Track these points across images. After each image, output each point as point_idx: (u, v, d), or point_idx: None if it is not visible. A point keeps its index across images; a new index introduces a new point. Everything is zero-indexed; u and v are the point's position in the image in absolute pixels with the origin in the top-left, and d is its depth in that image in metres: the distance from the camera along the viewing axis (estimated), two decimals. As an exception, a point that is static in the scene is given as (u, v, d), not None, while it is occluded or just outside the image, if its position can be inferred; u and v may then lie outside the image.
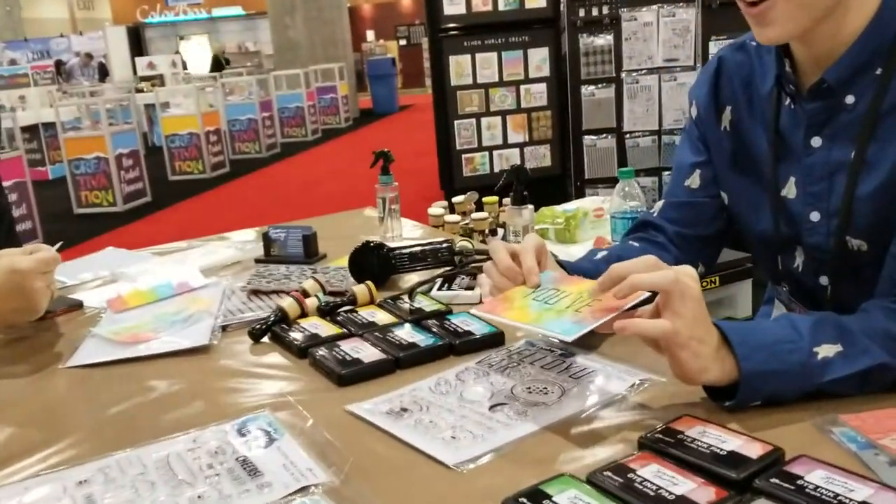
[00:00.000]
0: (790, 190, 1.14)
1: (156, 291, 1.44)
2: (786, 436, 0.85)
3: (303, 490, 0.81)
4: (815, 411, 0.90)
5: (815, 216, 1.12)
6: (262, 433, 0.93)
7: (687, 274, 0.90)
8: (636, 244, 1.30)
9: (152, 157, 9.01)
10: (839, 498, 0.71)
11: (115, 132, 7.17)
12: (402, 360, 1.10)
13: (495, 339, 1.16)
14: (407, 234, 1.87)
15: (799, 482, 0.74)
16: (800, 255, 1.18)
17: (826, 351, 0.91)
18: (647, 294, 0.91)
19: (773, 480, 0.75)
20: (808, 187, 1.12)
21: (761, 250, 1.26)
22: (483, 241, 1.90)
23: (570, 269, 1.19)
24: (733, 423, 0.88)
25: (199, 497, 0.80)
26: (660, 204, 1.34)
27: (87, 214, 7.08)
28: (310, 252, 1.66)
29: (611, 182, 4.23)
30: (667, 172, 4.28)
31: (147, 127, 11.76)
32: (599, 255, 1.28)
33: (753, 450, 0.80)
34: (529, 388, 1.00)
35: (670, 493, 0.74)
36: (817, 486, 0.73)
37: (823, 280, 1.16)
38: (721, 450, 0.81)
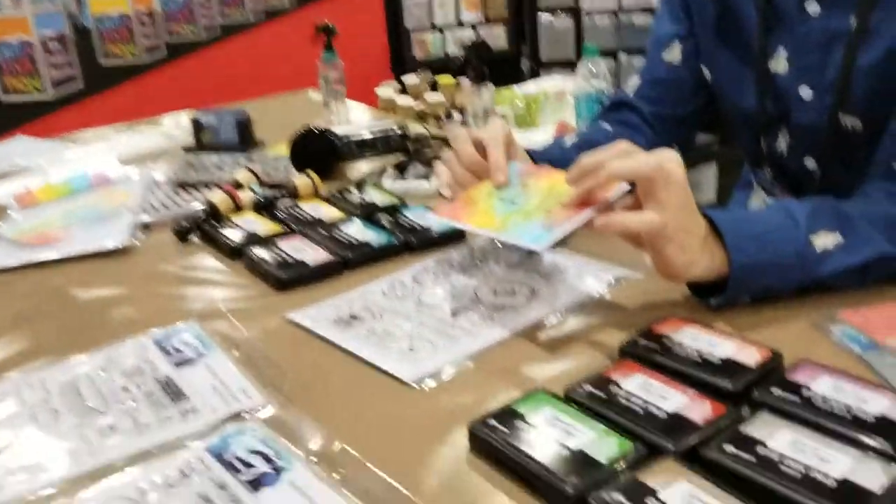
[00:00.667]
0: (779, 63, 1.04)
1: (70, 184, 1.28)
2: (780, 337, 0.76)
3: (234, 416, 0.69)
4: (812, 307, 0.81)
5: (805, 92, 1.03)
6: (187, 348, 0.80)
7: (669, 158, 0.78)
8: (608, 127, 1.19)
9: (84, 40, 8.50)
10: (852, 411, 0.62)
11: (38, 12, 6.69)
12: (352, 261, 0.98)
13: (456, 235, 1.03)
14: (354, 118, 1.72)
15: (804, 392, 0.65)
16: (784, 137, 1.09)
17: (824, 240, 0.81)
18: (627, 186, 0.79)
19: (775, 391, 0.65)
20: (801, 59, 1.02)
21: (743, 131, 1.17)
22: (439, 127, 1.76)
23: (536, 158, 1.07)
24: (721, 322, 0.79)
25: (110, 427, 0.68)
26: (635, 81, 1.23)
27: (14, 103, 6.69)
28: (245, 139, 1.51)
29: (568, 64, 4.07)
30: (624, 54, 4.13)
31: (75, 7, 11.09)
32: (569, 141, 1.17)
33: (750, 355, 0.71)
34: (495, 289, 0.89)
35: (661, 410, 0.64)
36: (825, 398, 0.64)
37: (810, 163, 1.07)
38: (713, 356, 0.71)
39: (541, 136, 1.88)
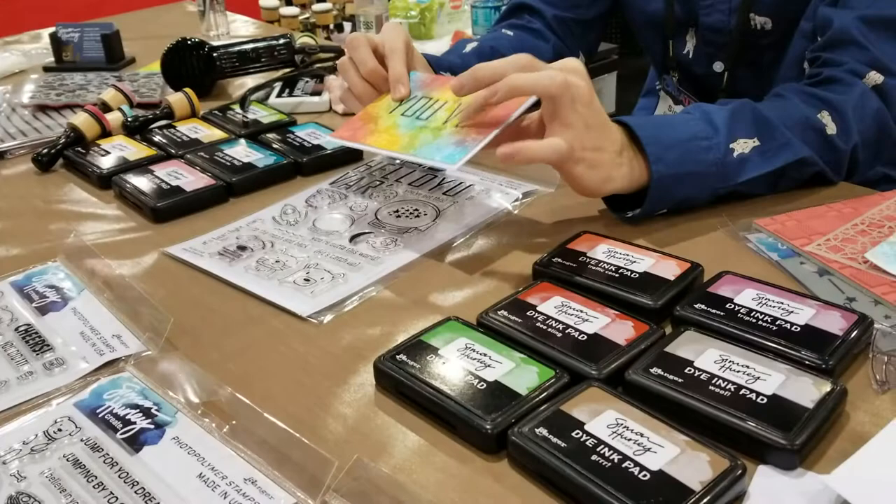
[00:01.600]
0: None
1: None
2: (698, 249, 0.73)
3: (109, 365, 0.61)
4: (728, 216, 0.78)
5: None
6: (51, 292, 0.71)
7: (575, 71, 0.72)
8: (509, 32, 1.13)
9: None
10: (778, 322, 0.59)
11: None
12: (237, 186, 0.88)
13: (352, 153, 0.95)
14: (236, 31, 1.58)
15: (728, 306, 0.62)
16: (692, 40, 1.05)
17: (742, 146, 0.77)
18: (535, 99, 0.73)
19: (699, 306, 0.62)
20: None
21: (649, 36, 1.13)
22: (328, 38, 1.64)
23: (435, 65, 0.99)
24: (639, 238, 0.75)
25: (-41, 389, 0.59)
26: None
27: None
28: (113, 56, 1.36)
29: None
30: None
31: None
32: (469, 46, 1.09)
33: (669, 269, 0.67)
34: (397, 211, 0.82)
35: (581, 333, 0.59)
36: (751, 310, 0.61)
37: (718, 66, 1.05)
38: (632, 272, 0.67)
39: (437, 47, 1.79)
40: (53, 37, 1.37)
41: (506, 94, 0.71)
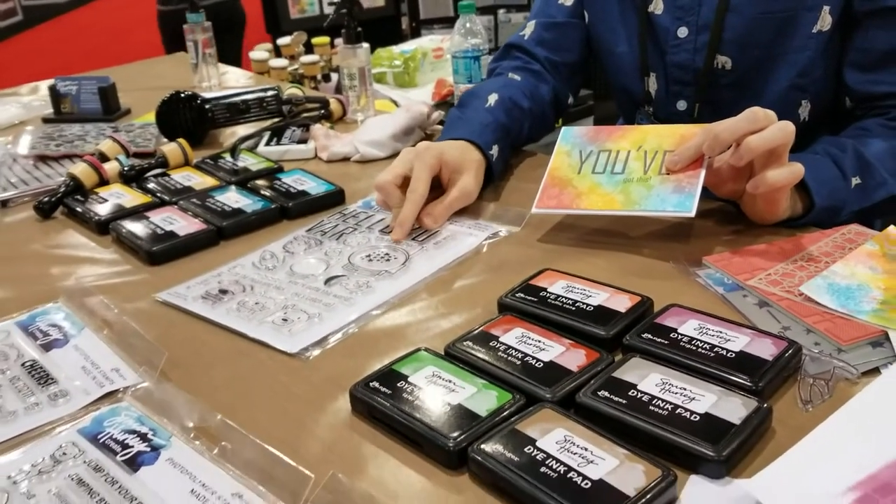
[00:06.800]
0: (657, 4, 1.08)
1: (-85, 163, 1.19)
2: (651, 284, 0.79)
3: (108, 396, 0.67)
4: (680, 254, 0.84)
5: (682, 31, 1.07)
6: (54, 330, 0.77)
7: (787, 123, 0.81)
8: (516, 77, 1.18)
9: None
10: (716, 349, 0.66)
11: None
12: (227, 230, 0.95)
13: (335, 197, 1.02)
14: (227, 82, 1.66)
15: (672, 335, 0.68)
16: (660, 79, 1.12)
17: (853, 183, 0.91)
18: None
19: (646, 335, 0.68)
20: (678, 0, 1.06)
21: (619, 76, 1.19)
22: (315, 88, 1.72)
23: (466, 130, 1.03)
24: (598, 275, 0.82)
25: (-28, 418, 0.65)
26: (530, 25, 1.23)
27: None
28: (109, 107, 1.44)
29: (448, 21, 4.05)
30: (503, 10, 4.14)
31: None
32: (490, 99, 1.10)
33: (621, 302, 0.74)
34: (369, 255, 0.88)
35: (538, 360, 0.66)
36: (692, 339, 0.67)
37: (681, 105, 1.11)
38: (587, 305, 0.73)
39: (420, 94, 1.87)
40: (52, 89, 1.45)
41: (750, 158, 0.80)
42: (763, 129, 0.80)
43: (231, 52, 3.30)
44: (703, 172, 0.83)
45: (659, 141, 0.87)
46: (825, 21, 0.99)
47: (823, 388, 0.64)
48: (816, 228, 0.89)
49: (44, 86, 1.65)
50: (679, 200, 0.82)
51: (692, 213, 0.81)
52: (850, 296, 0.74)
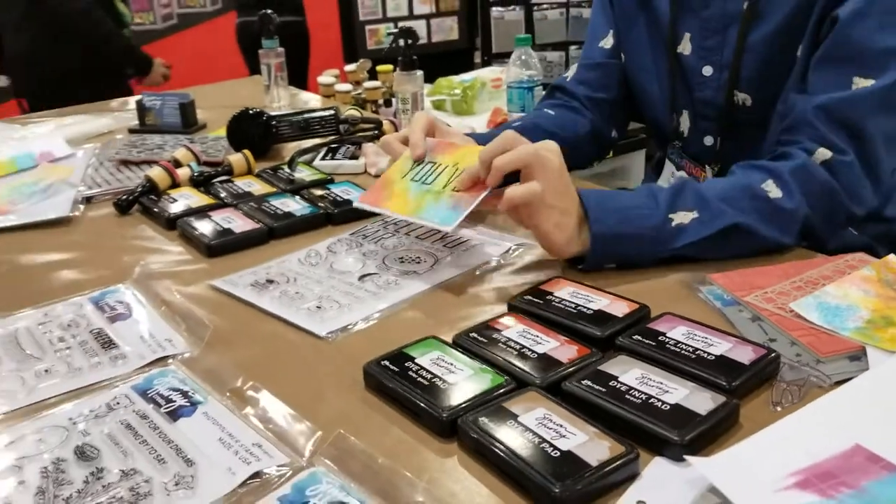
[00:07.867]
0: (685, 46, 1.15)
1: (16, 162, 1.34)
2: (656, 295, 0.85)
3: (159, 361, 0.77)
4: (688, 272, 0.90)
5: (707, 70, 1.14)
6: (120, 306, 0.88)
7: (547, 148, 0.89)
8: (551, 112, 1.28)
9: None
10: (698, 352, 0.72)
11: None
12: (276, 230, 1.06)
13: (374, 207, 1.12)
14: (295, 104, 1.79)
15: (660, 338, 0.75)
16: (688, 116, 1.18)
17: (682, 218, 0.92)
18: None
19: (636, 337, 0.75)
20: (704, 41, 1.13)
21: (652, 112, 1.26)
22: (376, 112, 1.83)
23: (483, 142, 1.14)
24: (607, 285, 0.88)
25: (46, 371, 0.76)
26: (573, 68, 1.33)
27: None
28: (187, 121, 1.58)
29: (518, 55, 4.15)
30: (574, 47, 4.23)
31: None
32: (515, 124, 1.24)
33: (620, 308, 0.81)
34: (402, 257, 0.97)
35: (532, 352, 0.73)
36: (678, 342, 0.74)
37: (708, 140, 1.18)
38: (588, 309, 0.81)
39: (477, 122, 1.96)
40: (139, 104, 1.60)
41: (496, 178, 0.89)
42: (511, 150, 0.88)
43: (298, 70, 3.49)
44: (481, 195, 0.90)
45: (471, 160, 0.93)
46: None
47: (795, 393, 0.70)
48: (820, 254, 0.94)
49: (133, 100, 1.81)
50: (447, 215, 0.90)
51: (449, 229, 0.90)
52: (838, 314, 0.79)
